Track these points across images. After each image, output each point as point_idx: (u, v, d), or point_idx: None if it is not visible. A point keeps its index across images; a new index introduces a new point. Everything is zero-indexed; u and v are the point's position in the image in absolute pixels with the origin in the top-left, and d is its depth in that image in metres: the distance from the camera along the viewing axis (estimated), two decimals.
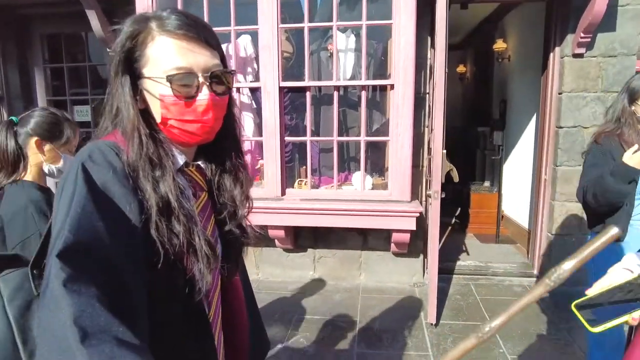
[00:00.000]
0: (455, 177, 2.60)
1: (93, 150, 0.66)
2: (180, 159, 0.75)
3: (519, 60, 4.53)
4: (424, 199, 3.35)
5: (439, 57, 2.41)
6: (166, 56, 0.69)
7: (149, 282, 0.63)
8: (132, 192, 0.65)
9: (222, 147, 0.81)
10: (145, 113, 0.73)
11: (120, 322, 0.51)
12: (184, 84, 0.69)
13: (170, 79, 0.68)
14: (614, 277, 0.78)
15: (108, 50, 3.47)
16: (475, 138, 5.27)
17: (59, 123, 1.35)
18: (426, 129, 3.29)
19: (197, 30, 0.69)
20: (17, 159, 1.27)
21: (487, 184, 5.22)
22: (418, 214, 2.83)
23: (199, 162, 0.80)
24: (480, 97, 5.86)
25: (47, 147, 1.31)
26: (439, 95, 2.43)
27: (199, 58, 0.70)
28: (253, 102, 3.44)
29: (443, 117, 2.46)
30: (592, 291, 0.77)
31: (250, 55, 3.45)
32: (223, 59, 0.76)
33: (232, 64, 3.01)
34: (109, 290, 0.54)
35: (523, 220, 4.30)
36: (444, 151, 2.50)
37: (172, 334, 0.71)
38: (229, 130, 0.82)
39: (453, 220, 4.99)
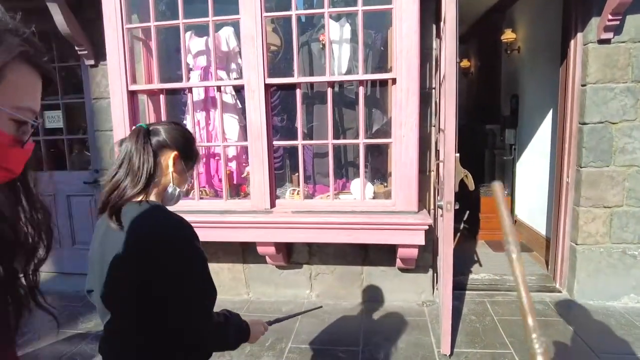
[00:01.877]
0: (471, 185, 2.23)
1: None
2: None
3: (531, 51, 4.16)
4: (431, 207, 2.98)
5: (449, 43, 2.05)
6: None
7: None
8: None
9: None
10: None
11: None
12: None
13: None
14: None
15: (77, 48, 3.11)
16: (482, 137, 4.89)
17: (193, 142, 1.19)
18: (433, 129, 2.93)
19: None
20: (152, 174, 1.05)
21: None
22: (427, 227, 2.47)
23: None
24: (486, 92, 5.48)
25: (181, 165, 1.13)
26: (451, 88, 2.06)
27: None
28: (238, 101, 3.08)
29: (455, 115, 2.09)
30: None
31: (233, 49, 3.09)
32: None
33: (212, 60, 2.65)
34: None
35: (539, 226, 3.93)
36: (457, 155, 2.13)
37: None
38: None
39: (462, 226, 4.62)
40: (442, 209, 2.21)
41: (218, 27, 3.04)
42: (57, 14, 2.85)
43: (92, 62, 3.17)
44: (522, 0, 4.29)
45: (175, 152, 1.10)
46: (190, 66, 3.14)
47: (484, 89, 5.67)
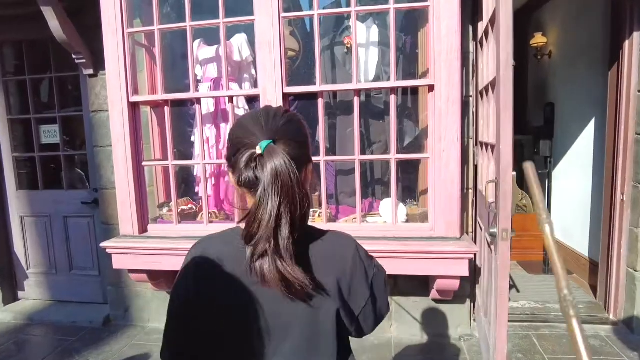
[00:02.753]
0: (531, 209, 1.90)
1: None
2: None
3: (566, 56, 3.85)
4: (470, 229, 2.65)
5: (503, 41, 1.73)
6: None
7: None
8: None
9: None
10: None
11: None
12: None
13: None
14: None
15: (74, 56, 2.84)
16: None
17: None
18: (471, 141, 2.60)
19: None
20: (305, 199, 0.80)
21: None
22: (472, 256, 2.13)
23: None
24: (514, 101, 5.13)
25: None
26: (507, 96, 1.75)
27: None
28: None
29: (512, 127, 1.77)
30: None
31: (246, 58, 2.81)
32: None
33: (223, 68, 2.35)
34: None
35: (580, 247, 3.57)
36: (514, 174, 1.80)
37: None
38: None
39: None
40: (494, 237, 1.88)
41: (230, 33, 2.77)
42: (52, 19, 2.58)
43: (90, 71, 2.89)
44: (552, 1, 3.99)
45: (309, 166, 0.86)
46: (199, 77, 2.86)
47: None
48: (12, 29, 3.08)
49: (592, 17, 3.24)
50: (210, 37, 2.85)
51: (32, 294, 3.51)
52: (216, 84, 2.76)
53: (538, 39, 4.05)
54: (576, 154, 3.65)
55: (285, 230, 0.71)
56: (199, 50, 2.84)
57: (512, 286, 3.41)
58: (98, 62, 2.84)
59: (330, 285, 0.80)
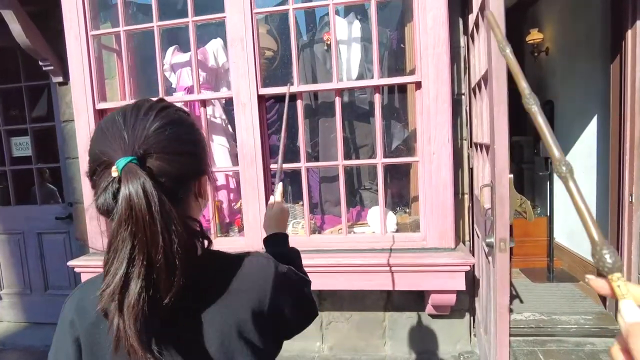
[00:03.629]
0: (530, 216, 1.70)
1: None
2: None
3: (564, 51, 3.67)
4: (467, 237, 2.45)
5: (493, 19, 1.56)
6: None
7: None
8: None
9: None
10: None
11: None
12: None
13: None
14: None
15: (41, 63, 2.67)
16: (509, 150, 4.38)
17: (203, 137, 0.80)
18: (464, 143, 2.42)
19: None
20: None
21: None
22: (469, 268, 1.93)
23: None
24: (509, 101, 4.96)
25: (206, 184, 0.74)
26: (500, 90, 1.57)
27: None
28: (229, 126, 2.60)
29: (507, 125, 1.59)
30: None
31: (223, 65, 2.64)
32: None
33: (193, 72, 2.18)
34: None
35: (586, 252, 3.36)
36: (511, 176, 1.61)
37: None
38: None
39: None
40: (491, 247, 1.68)
41: (205, 38, 2.61)
42: (13, 22, 2.42)
43: (60, 79, 2.72)
44: None
45: (204, 177, 0.67)
46: (173, 85, 2.70)
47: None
48: None
49: (590, 9, 3.07)
50: (185, 44, 2.68)
51: (6, 316, 3.31)
52: (190, 92, 2.59)
53: (534, 36, 3.88)
54: (579, 154, 3.46)
55: (134, 286, 0.51)
56: (173, 57, 2.67)
57: (515, 296, 3.20)
58: (67, 70, 2.68)
59: (244, 328, 0.62)
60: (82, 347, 0.61)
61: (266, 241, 1.01)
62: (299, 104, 2.11)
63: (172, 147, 0.58)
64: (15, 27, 2.43)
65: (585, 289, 3.27)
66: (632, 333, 0.36)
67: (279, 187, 1.14)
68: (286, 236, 1.04)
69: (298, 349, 2.60)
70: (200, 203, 0.67)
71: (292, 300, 0.73)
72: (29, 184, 3.21)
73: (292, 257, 0.95)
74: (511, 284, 3.46)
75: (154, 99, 0.65)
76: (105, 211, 0.55)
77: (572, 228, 3.64)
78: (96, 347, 0.60)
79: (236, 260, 0.67)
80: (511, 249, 3.90)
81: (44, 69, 2.68)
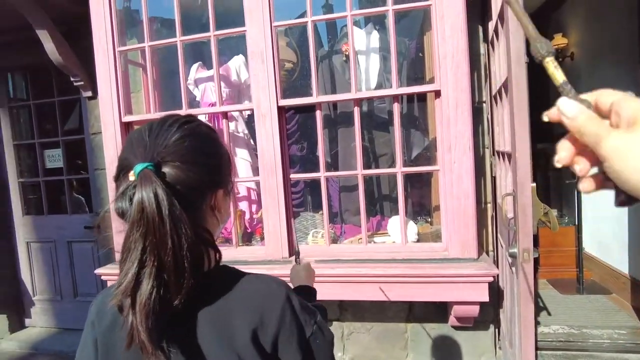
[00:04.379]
0: (555, 226, 1.66)
1: None
2: None
3: (590, 56, 3.58)
4: (490, 247, 2.40)
5: (513, 35, 1.53)
6: None
7: None
8: None
9: None
10: None
11: None
12: None
13: None
14: None
15: (72, 79, 2.80)
16: (534, 158, 4.27)
17: (227, 154, 0.84)
18: (487, 151, 2.38)
19: None
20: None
21: (555, 213, 4.16)
22: (492, 279, 1.89)
23: None
24: (533, 108, 4.86)
25: (226, 196, 0.77)
26: (520, 96, 1.54)
27: None
28: (251, 139, 2.64)
29: (528, 132, 1.56)
30: None
31: (245, 81, 2.69)
32: None
33: (214, 78, 2.24)
34: None
35: (619, 263, 3.23)
36: (534, 185, 1.58)
37: None
38: None
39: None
40: (514, 257, 1.64)
41: (228, 56, 2.68)
42: (48, 41, 2.55)
43: (89, 93, 2.85)
44: (572, 0, 3.75)
45: (221, 190, 0.68)
46: (197, 99, 2.77)
47: (531, 105, 5.06)
48: (16, 55, 3.10)
49: (616, 14, 2.99)
50: (209, 61, 2.76)
51: (39, 322, 3.44)
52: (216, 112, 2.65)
53: (558, 40, 3.80)
54: None
55: (146, 285, 0.54)
56: (197, 73, 2.75)
57: (542, 308, 3.10)
58: (96, 84, 2.79)
59: (239, 344, 0.61)
60: (99, 347, 0.64)
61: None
62: (318, 115, 2.13)
63: (189, 157, 0.61)
64: (49, 46, 2.56)
65: (619, 302, 3.13)
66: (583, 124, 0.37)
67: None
68: (314, 290, 1.04)
69: None
70: (217, 217, 0.69)
71: (299, 346, 0.65)
72: (59, 194, 3.34)
73: (323, 314, 0.92)
74: (538, 296, 3.35)
75: (183, 113, 0.68)
76: (122, 214, 0.58)
77: (602, 238, 3.50)
78: (111, 350, 0.63)
79: (246, 277, 0.67)
80: (537, 259, 3.82)
81: (75, 84, 2.81)
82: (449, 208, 1.98)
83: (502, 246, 2.19)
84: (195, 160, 0.61)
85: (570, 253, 3.69)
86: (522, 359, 1.62)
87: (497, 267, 2.30)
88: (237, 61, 2.71)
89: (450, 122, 1.94)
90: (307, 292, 1.00)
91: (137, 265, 0.54)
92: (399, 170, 2.05)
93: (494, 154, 2.36)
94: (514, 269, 1.75)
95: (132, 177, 0.56)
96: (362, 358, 2.54)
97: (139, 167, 0.55)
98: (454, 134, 1.95)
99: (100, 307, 0.68)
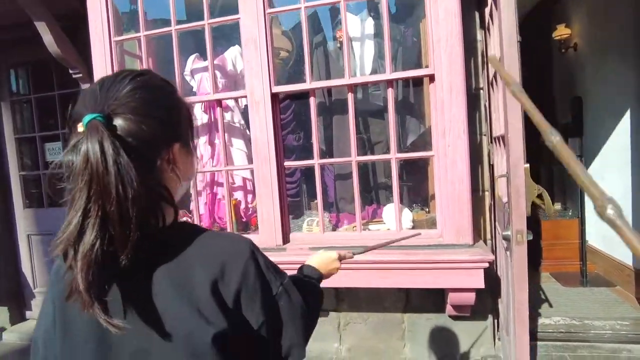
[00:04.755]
0: (549, 207, 1.63)
1: None
2: None
3: (594, 47, 3.53)
4: (488, 236, 2.37)
5: (505, 14, 1.51)
6: None
7: None
8: None
9: None
10: None
11: None
12: None
13: None
14: None
15: (71, 71, 2.82)
16: (537, 151, 4.22)
17: (186, 106, 0.81)
18: (484, 138, 2.36)
19: None
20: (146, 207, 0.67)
21: (558, 206, 4.10)
22: (487, 264, 1.86)
23: None
24: (536, 100, 4.80)
25: (184, 151, 0.74)
26: (512, 71, 1.51)
27: None
28: (247, 130, 2.64)
29: (522, 113, 1.53)
30: None
31: (241, 71, 2.68)
32: None
33: (208, 67, 2.24)
34: None
35: (623, 255, 3.18)
36: (527, 166, 1.55)
37: None
38: None
39: None
40: (508, 240, 1.62)
41: (224, 47, 2.68)
42: (46, 33, 2.57)
43: (87, 85, 2.86)
44: None
45: (177, 144, 0.66)
46: (194, 89, 2.78)
47: (533, 97, 5.00)
48: (18, 51, 3.13)
49: (622, 5, 2.95)
50: (206, 52, 2.77)
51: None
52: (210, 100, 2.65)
53: (561, 31, 3.75)
54: (611, 152, 3.30)
55: (89, 236, 0.53)
56: (194, 65, 2.76)
57: (544, 300, 3.05)
58: (94, 77, 2.82)
59: (200, 299, 0.59)
60: (56, 305, 0.63)
61: (301, 267, 1.00)
62: (312, 102, 2.12)
63: (141, 110, 0.59)
64: (48, 38, 2.58)
65: (622, 294, 3.08)
66: None
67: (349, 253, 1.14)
68: (321, 275, 1.01)
69: (316, 349, 2.57)
70: (177, 174, 0.67)
71: (263, 304, 0.63)
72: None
73: (311, 288, 0.90)
74: (540, 288, 3.31)
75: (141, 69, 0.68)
76: (66, 169, 0.57)
77: (606, 231, 3.44)
78: (65, 308, 0.62)
79: (208, 232, 0.66)
80: (540, 252, 3.77)
81: (73, 76, 2.82)
82: (444, 193, 1.96)
83: (499, 233, 2.16)
84: (147, 113, 0.60)
85: (573, 246, 3.64)
86: (517, 343, 1.59)
87: (495, 256, 2.27)
88: (233, 52, 2.71)
89: (445, 106, 1.92)
90: (311, 269, 0.97)
91: (81, 214, 0.53)
92: (394, 156, 2.04)
93: (492, 142, 2.33)
94: (509, 253, 1.72)
95: (80, 128, 0.55)
96: (359, 349, 2.52)
97: (87, 118, 0.55)
98: (448, 118, 1.93)
99: (58, 268, 0.67)
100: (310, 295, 0.82)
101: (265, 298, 0.64)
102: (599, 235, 3.55)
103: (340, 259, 1.07)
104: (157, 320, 0.58)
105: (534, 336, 2.56)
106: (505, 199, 1.84)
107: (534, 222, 3.85)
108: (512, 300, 1.67)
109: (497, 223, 2.28)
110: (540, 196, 1.60)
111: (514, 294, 1.61)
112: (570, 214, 3.86)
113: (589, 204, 3.54)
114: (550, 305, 2.98)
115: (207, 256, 0.62)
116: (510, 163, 1.55)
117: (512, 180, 1.54)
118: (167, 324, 0.59)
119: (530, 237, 1.57)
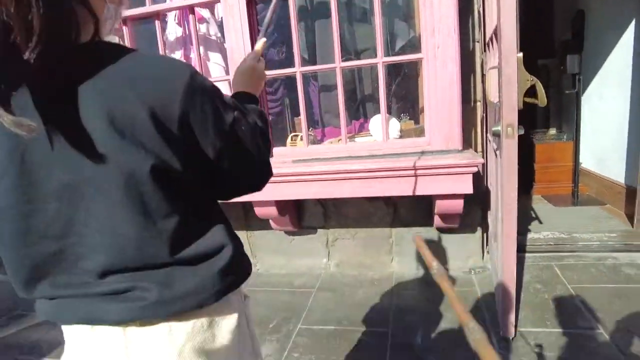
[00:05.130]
0: (542, 99, 1.54)
1: None
2: None
3: None
4: (479, 148, 2.30)
5: None
6: None
7: None
8: None
9: None
10: None
11: None
12: None
13: None
14: None
15: None
16: (534, 75, 4.06)
17: None
18: (477, 45, 2.21)
19: None
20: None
21: (553, 130, 4.02)
22: (476, 169, 1.81)
23: None
24: (535, 21, 4.54)
25: None
26: None
27: None
28: (224, 43, 2.47)
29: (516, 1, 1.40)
30: None
31: None
32: None
33: None
34: None
35: (616, 174, 3.14)
36: (520, 55, 1.44)
37: None
38: None
39: None
40: (498, 136, 1.55)
41: None
42: None
43: None
44: None
45: None
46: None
47: (530, 18, 4.73)
48: None
49: None
50: None
51: None
52: (184, 12, 2.45)
53: None
54: (611, 69, 3.15)
55: None
56: None
57: (534, 218, 3.06)
58: None
59: (135, 124, 0.53)
60: None
61: (233, 96, 0.89)
62: (291, 3, 1.95)
63: None
64: None
65: (613, 211, 3.08)
66: None
67: (260, 41, 1.01)
68: (254, 97, 0.89)
69: (305, 265, 2.60)
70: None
71: (218, 130, 0.59)
72: None
73: (254, 110, 0.80)
74: (531, 209, 3.31)
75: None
76: None
77: (600, 151, 3.39)
78: None
79: (139, 52, 0.57)
80: (533, 175, 3.73)
81: None
82: (433, 98, 1.86)
83: (490, 141, 2.09)
84: None
85: (566, 169, 3.61)
86: (503, 237, 1.57)
87: (486, 168, 2.23)
88: None
89: (434, 4, 1.77)
90: (246, 97, 0.86)
91: None
92: (380, 60, 1.91)
93: (485, 49, 2.19)
94: (498, 152, 1.66)
95: None
96: (347, 264, 2.55)
97: None
98: (437, 17, 1.79)
99: None
100: (259, 118, 0.76)
101: (218, 123, 0.59)
102: (594, 157, 3.50)
103: (258, 60, 0.94)
104: (89, 143, 0.52)
105: (522, 248, 2.58)
106: (495, 99, 1.74)
107: (528, 146, 3.79)
108: (501, 202, 1.63)
109: (489, 135, 2.21)
110: (533, 87, 1.50)
111: (502, 193, 1.57)
112: (565, 137, 3.79)
113: (585, 125, 3.46)
114: (540, 222, 2.99)
115: (142, 78, 0.54)
116: (502, 52, 1.44)
117: (504, 69, 1.43)
118: (99, 151, 0.52)
119: (522, 132, 1.49)
